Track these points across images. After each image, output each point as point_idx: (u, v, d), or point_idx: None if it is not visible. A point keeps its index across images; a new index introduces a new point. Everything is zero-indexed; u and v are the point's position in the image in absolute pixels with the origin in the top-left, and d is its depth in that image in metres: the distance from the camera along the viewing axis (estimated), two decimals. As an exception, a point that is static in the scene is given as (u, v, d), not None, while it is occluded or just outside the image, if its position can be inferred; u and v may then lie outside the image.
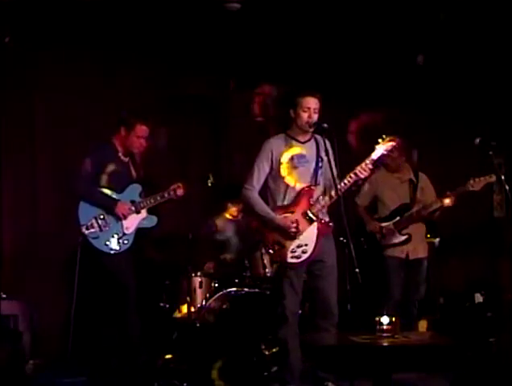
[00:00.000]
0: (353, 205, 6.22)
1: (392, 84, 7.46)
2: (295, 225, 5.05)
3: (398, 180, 6.30)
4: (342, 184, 5.02)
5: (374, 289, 6.03)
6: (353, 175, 5.06)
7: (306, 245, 5.08)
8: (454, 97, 7.58)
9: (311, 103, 5.09)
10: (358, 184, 5.27)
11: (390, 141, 5.20)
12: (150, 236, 6.11)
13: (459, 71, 7.35)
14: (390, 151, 5.28)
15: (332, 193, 5.06)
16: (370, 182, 6.18)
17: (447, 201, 6.03)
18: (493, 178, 5.78)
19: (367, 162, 5.07)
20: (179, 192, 5.62)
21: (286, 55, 7.00)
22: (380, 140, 5.20)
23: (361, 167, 5.07)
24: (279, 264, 5.12)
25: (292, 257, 5.07)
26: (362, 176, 5.10)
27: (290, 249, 5.07)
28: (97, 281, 5.45)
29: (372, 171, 5.20)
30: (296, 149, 5.16)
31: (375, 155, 5.13)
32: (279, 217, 5.08)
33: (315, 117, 5.08)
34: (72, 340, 5.63)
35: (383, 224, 6.26)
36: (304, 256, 5.08)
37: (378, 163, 5.47)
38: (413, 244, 6.23)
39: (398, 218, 6.24)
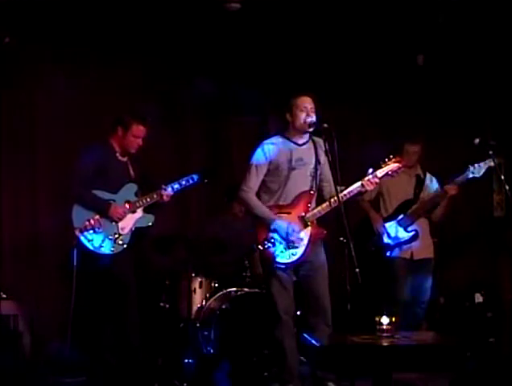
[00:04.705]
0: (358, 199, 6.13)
1: (392, 84, 7.46)
2: (295, 234, 5.02)
3: (407, 175, 6.21)
4: (346, 193, 5.01)
5: (375, 290, 6.02)
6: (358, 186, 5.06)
7: (296, 248, 5.07)
8: (454, 97, 7.57)
9: (308, 102, 5.10)
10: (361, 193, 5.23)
11: (395, 162, 5.19)
12: (149, 236, 6.11)
13: (458, 71, 7.35)
14: (394, 172, 5.21)
15: (332, 201, 5.04)
16: None
17: (449, 189, 5.95)
18: (492, 163, 5.64)
19: (375, 177, 5.07)
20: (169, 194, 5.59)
21: (286, 55, 7.00)
22: (386, 159, 5.18)
23: (369, 180, 5.08)
24: (267, 263, 5.08)
25: (281, 258, 5.05)
26: (368, 188, 5.10)
27: (280, 249, 5.05)
28: (96, 281, 5.43)
29: (377, 184, 5.18)
30: (293, 151, 5.13)
31: (380, 173, 5.12)
32: (279, 219, 5.05)
33: (314, 116, 5.07)
34: (71, 340, 5.63)
35: (387, 224, 6.21)
36: (293, 258, 5.06)
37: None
38: (418, 244, 6.19)
39: (401, 216, 6.20)
